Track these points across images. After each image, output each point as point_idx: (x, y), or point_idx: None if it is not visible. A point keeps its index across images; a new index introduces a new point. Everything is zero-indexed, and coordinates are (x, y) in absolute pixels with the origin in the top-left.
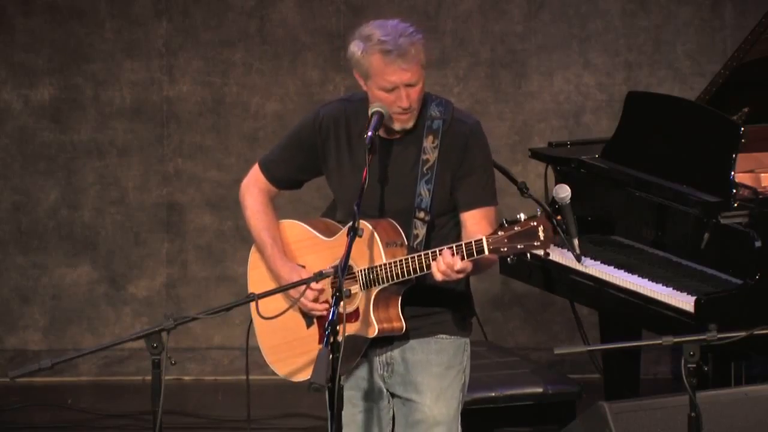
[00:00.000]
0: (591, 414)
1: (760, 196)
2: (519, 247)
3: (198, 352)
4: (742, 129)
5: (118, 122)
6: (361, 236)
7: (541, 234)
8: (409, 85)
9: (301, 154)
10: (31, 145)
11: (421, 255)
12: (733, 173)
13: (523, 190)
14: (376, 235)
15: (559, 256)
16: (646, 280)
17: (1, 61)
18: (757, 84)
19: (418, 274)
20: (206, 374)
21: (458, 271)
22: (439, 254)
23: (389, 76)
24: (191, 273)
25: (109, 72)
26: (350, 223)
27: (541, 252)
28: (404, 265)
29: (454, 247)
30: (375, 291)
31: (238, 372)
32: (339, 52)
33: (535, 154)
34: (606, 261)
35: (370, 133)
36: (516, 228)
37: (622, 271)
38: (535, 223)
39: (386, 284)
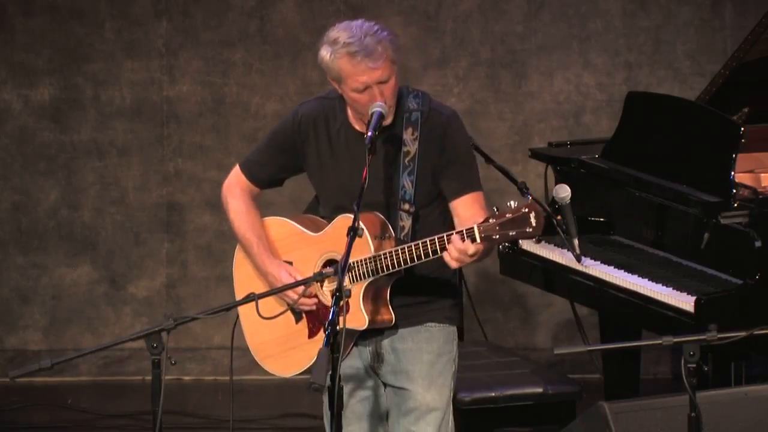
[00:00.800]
0: (591, 414)
1: (760, 196)
2: (511, 234)
3: (198, 352)
4: (742, 129)
5: (118, 122)
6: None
7: (532, 220)
8: (381, 83)
9: (281, 155)
10: (31, 145)
11: (411, 246)
12: (733, 173)
13: (523, 190)
14: (365, 228)
15: (559, 256)
16: (646, 280)
17: (1, 61)
18: (757, 84)
19: (410, 264)
20: (206, 374)
21: (472, 255)
22: (448, 242)
23: (359, 77)
24: (191, 273)
25: (109, 72)
26: (337, 218)
27: (533, 239)
28: (396, 256)
29: (445, 236)
30: (365, 283)
31: (238, 372)
32: None
33: (535, 154)
34: (606, 261)
35: (370, 134)
36: (507, 215)
37: (622, 271)
38: (527, 210)
39: (377, 276)
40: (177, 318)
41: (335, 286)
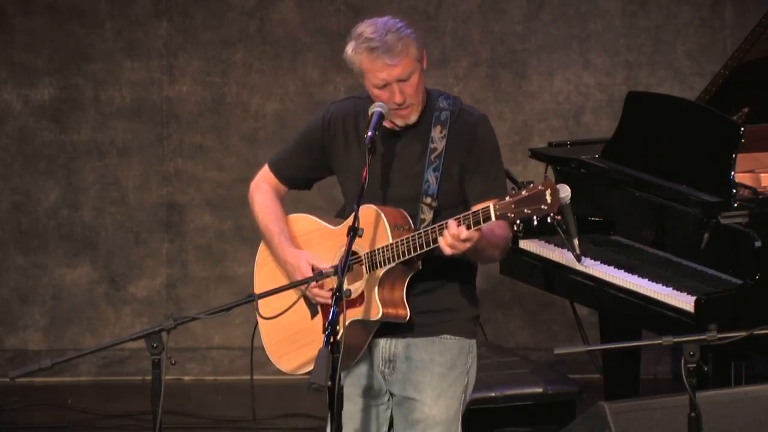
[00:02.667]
0: (591, 414)
1: (760, 196)
2: (526, 211)
3: (198, 352)
4: (742, 129)
5: (118, 122)
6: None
7: (548, 197)
8: (401, 80)
9: (309, 154)
10: (31, 145)
11: (428, 230)
12: (733, 173)
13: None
14: (384, 217)
15: (559, 256)
16: (646, 280)
17: (1, 61)
18: (757, 84)
19: (426, 249)
20: (206, 374)
21: (464, 240)
22: (445, 227)
23: (378, 73)
24: (191, 273)
25: (109, 72)
26: (359, 209)
27: (549, 217)
28: (412, 241)
29: (461, 218)
30: (381, 272)
31: (238, 372)
32: (339, 52)
33: (535, 154)
34: (606, 261)
35: (369, 133)
36: (523, 193)
37: (622, 271)
38: (542, 187)
39: (393, 264)
40: (177, 318)
41: (344, 284)
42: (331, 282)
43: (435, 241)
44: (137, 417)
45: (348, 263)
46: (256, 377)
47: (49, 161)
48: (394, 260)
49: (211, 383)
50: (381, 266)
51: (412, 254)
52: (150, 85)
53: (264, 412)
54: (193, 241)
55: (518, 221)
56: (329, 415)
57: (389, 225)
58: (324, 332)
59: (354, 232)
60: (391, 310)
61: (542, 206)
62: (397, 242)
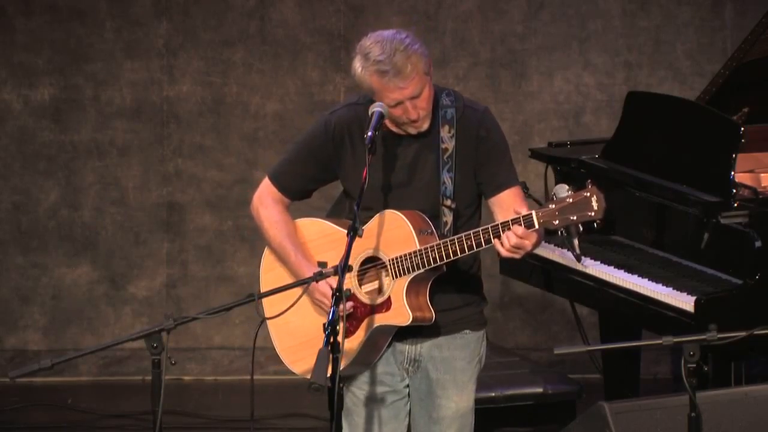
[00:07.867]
0: (591, 414)
1: (760, 196)
2: (572, 218)
3: (198, 352)
4: (742, 129)
5: (118, 122)
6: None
7: (594, 204)
8: (413, 98)
9: (315, 164)
10: (31, 145)
11: (461, 237)
12: (733, 173)
13: (523, 190)
14: (408, 222)
15: (559, 256)
16: (646, 280)
17: (1, 61)
18: (757, 84)
19: (459, 256)
20: (206, 374)
21: (522, 237)
22: (504, 229)
23: (390, 94)
24: (191, 273)
25: (109, 72)
26: (378, 215)
27: (594, 223)
28: (444, 248)
29: (499, 224)
30: (408, 278)
31: (238, 372)
32: (339, 52)
33: (535, 154)
34: (606, 261)
35: (370, 133)
36: (568, 200)
37: (622, 271)
38: (588, 194)
39: (422, 270)
40: (177, 318)
41: (376, 285)
42: (351, 288)
43: (470, 247)
44: (137, 417)
45: (367, 268)
46: (256, 377)
47: (49, 161)
48: (424, 266)
49: (211, 383)
50: (410, 272)
51: (444, 260)
52: (150, 85)
53: (264, 412)
54: (193, 241)
55: (562, 228)
56: (330, 415)
57: (414, 230)
58: (347, 327)
59: (354, 232)
60: (419, 314)
61: (589, 213)
62: (426, 248)
